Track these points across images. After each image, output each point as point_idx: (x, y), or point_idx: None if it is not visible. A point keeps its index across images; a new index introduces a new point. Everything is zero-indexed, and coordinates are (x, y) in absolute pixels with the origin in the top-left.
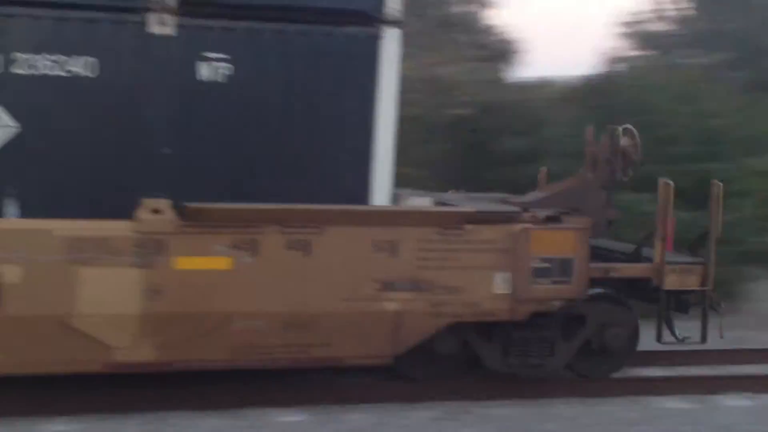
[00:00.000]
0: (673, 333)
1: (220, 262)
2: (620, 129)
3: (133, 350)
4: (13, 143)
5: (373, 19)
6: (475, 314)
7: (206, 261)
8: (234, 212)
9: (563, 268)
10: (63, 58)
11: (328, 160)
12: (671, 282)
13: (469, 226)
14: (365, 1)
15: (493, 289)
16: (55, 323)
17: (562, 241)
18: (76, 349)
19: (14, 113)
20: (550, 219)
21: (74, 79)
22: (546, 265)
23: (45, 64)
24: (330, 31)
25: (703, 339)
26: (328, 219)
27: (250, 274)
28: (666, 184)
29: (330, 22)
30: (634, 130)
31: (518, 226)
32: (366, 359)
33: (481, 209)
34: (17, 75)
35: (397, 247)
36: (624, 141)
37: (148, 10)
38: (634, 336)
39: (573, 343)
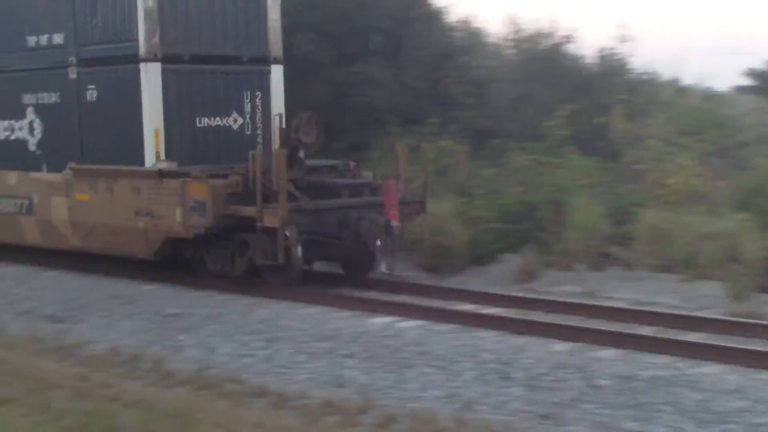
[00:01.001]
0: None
1: (84, 196)
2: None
3: (72, 239)
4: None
5: None
6: (171, 232)
7: (81, 195)
8: (86, 170)
9: (201, 207)
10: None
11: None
12: (268, 221)
13: (165, 180)
14: None
15: (176, 218)
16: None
17: (200, 190)
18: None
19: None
20: (199, 176)
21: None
22: (194, 204)
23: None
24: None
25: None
26: (118, 174)
27: (93, 203)
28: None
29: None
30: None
31: (182, 180)
32: (142, 255)
33: (163, 169)
34: None
35: (140, 191)
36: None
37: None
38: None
39: (243, 258)
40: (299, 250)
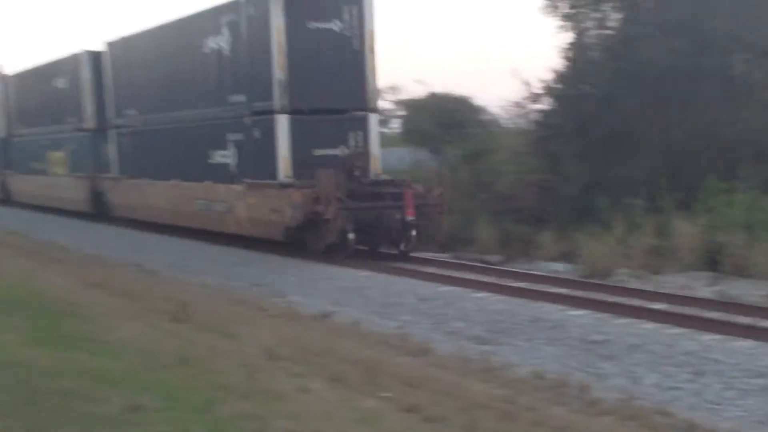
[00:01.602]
0: None
1: (252, 200)
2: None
3: (249, 229)
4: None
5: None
6: (286, 223)
7: (250, 199)
8: (251, 183)
9: (298, 207)
10: (234, 134)
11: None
12: (327, 215)
13: (284, 190)
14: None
15: (287, 213)
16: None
17: (297, 196)
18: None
19: None
20: (298, 187)
21: (239, 141)
22: (294, 205)
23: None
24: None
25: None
26: (264, 186)
27: (255, 204)
28: None
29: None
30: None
31: (290, 190)
32: (275, 237)
33: (283, 182)
34: None
35: (273, 197)
36: None
37: (245, 116)
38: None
39: (321, 239)
40: (351, 235)
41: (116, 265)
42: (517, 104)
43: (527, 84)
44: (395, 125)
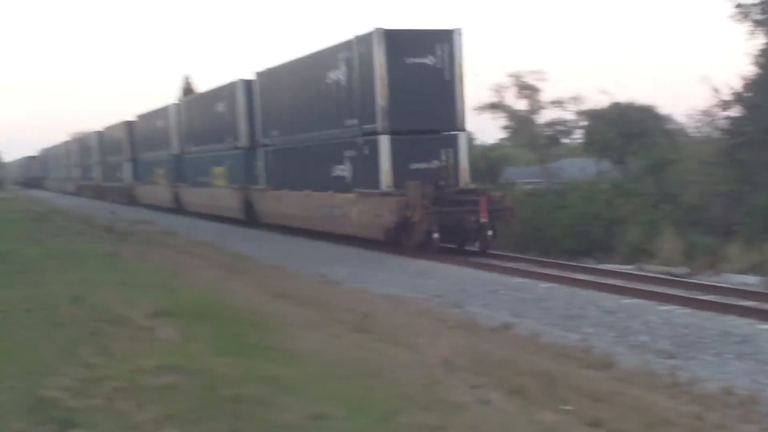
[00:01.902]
0: None
1: (360, 206)
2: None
3: (358, 230)
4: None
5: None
6: (386, 225)
7: (360, 206)
8: (360, 192)
9: (393, 212)
10: (348, 151)
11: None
12: (414, 218)
13: (384, 198)
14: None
15: (386, 217)
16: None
17: (391, 203)
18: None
19: None
20: (393, 195)
21: (353, 157)
22: (391, 210)
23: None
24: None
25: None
26: (370, 195)
27: (363, 209)
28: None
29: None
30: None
31: (388, 198)
32: (377, 237)
33: (384, 191)
34: None
35: (376, 203)
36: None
37: (358, 136)
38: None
39: (413, 238)
40: (436, 235)
41: (300, 276)
42: (705, 112)
43: (716, 91)
44: (577, 136)
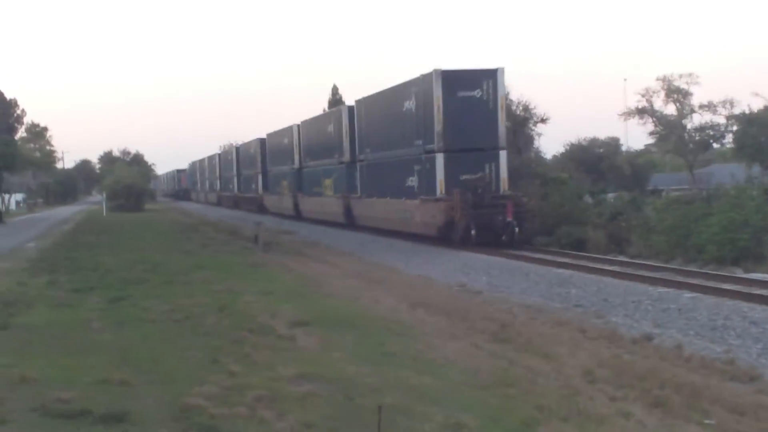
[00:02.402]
0: None
1: (422, 209)
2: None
3: (421, 229)
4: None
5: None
6: (438, 224)
7: (421, 209)
8: (422, 198)
9: (440, 213)
10: (416, 166)
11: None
12: (456, 219)
13: (437, 202)
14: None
15: (438, 217)
16: None
17: (439, 206)
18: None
19: None
20: (441, 200)
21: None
22: (440, 212)
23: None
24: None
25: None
26: (428, 200)
27: (423, 211)
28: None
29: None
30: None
31: (438, 202)
32: (432, 234)
33: (438, 197)
34: None
35: (432, 206)
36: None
37: (422, 154)
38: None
39: (457, 234)
40: (473, 231)
41: (441, 285)
42: None
43: None
44: (728, 140)
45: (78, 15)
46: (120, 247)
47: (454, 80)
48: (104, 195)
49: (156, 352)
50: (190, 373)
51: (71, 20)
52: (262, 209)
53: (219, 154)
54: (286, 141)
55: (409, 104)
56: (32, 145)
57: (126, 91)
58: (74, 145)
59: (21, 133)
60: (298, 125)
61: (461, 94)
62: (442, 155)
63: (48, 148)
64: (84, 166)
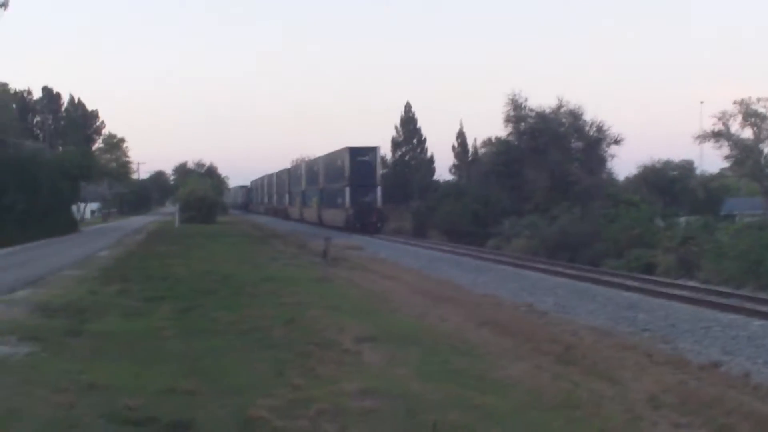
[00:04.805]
0: None
1: None
2: None
3: None
4: None
5: None
6: None
7: None
8: None
9: None
10: None
11: None
12: None
13: None
14: None
15: None
16: None
17: None
18: None
19: None
20: None
21: None
22: None
23: None
24: None
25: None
26: None
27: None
28: None
29: None
30: None
31: None
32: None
33: None
34: None
35: None
36: None
37: None
38: None
39: None
40: (358, 226)
41: (507, 305)
42: None
43: None
44: None
45: (163, 30)
46: (191, 257)
47: (356, 152)
48: (177, 206)
49: (223, 362)
50: (255, 385)
51: (156, 36)
52: (302, 219)
53: (272, 175)
54: (339, 163)
55: (339, 162)
56: (109, 155)
57: (204, 105)
58: (150, 156)
59: (99, 143)
60: (343, 151)
61: (359, 159)
62: (349, 188)
63: (124, 158)
64: (158, 177)
